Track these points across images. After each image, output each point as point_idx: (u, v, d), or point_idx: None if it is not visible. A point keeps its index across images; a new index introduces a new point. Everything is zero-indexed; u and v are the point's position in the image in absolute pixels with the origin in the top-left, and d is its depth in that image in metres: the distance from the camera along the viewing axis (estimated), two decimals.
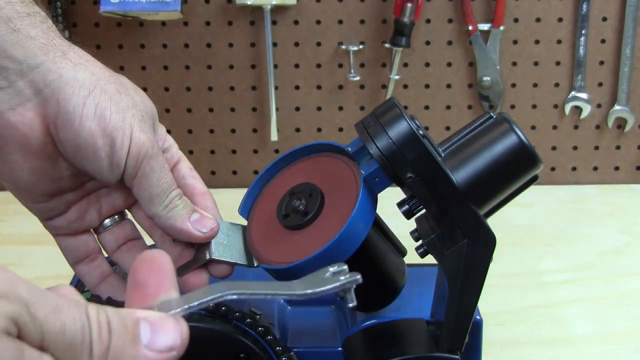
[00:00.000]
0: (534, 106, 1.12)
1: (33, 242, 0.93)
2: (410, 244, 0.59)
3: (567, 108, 1.11)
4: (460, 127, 0.57)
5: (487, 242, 0.54)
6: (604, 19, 1.07)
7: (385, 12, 1.07)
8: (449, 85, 1.11)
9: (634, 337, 0.77)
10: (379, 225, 0.61)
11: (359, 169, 0.55)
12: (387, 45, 1.06)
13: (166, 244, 0.59)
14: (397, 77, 1.07)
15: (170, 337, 0.36)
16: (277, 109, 1.09)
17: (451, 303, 0.55)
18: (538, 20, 1.08)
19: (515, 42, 1.09)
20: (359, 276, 0.38)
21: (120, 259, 0.59)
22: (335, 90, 1.11)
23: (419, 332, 0.60)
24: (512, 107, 1.12)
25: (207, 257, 0.56)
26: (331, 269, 0.39)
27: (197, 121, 1.13)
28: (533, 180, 0.56)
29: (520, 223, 1.01)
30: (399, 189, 0.56)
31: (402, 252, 0.62)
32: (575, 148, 1.13)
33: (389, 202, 0.58)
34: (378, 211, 0.56)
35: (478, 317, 0.61)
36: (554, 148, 1.13)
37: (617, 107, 1.10)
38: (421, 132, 0.53)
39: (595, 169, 1.14)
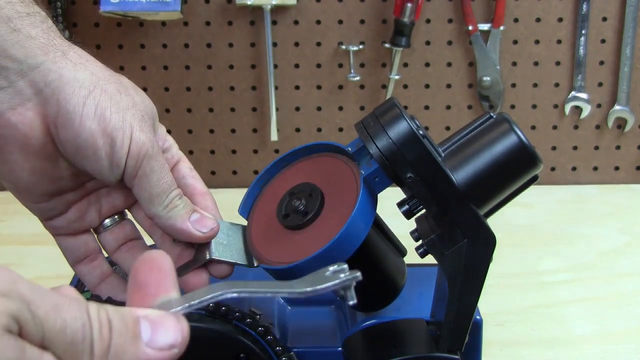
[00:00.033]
0: (534, 106, 1.12)
1: (33, 242, 0.93)
2: (410, 244, 0.59)
3: (567, 108, 1.11)
4: (460, 127, 0.57)
5: (487, 242, 0.54)
6: (604, 19, 1.07)
7: (385, 12, 1.07)
8: (449, 85, 1.11)
9: (634, 337, 0.77)
10: (379, 225, 0.61)
11: (359, 169, 0.55)
12: (387, 45, 1.06)
13: (166, 244, 0.59)
14: (397, 77, 1.07)
15: (171, 335, 0.36)
16: (277, 109, 1.09)
17: (451, 303, 0.55)
18: (538, 20, 1.08)
19: (515, 42, 1.09)
20: (359, 273, 0.38)
21: (120, 259, 0.59)
22: (335, 90, 1.11)
23: (419, 332, 0.60)
24: (512, 107, 1.12)
25: (207, 257, 0.56)
26: (331, 268, 0.39)
27: (197, 121, 1.13)
28: (533, 180, 0.56)
29: (520, 223, 1.01)
30: (399, 189, 0.56)
31: (402, 252, 0.62)
32: (575, 148, 1.13)
33: (389, 202, 0.58)
34: (378, 211, 0.56)
35: (478, 317, 0.61)
36: (554, 148, 1.13)
37: (617, 107, 1.10)
38: (421, 132, 0.53)
39: (595, 169, 1.14)
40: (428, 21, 1.08)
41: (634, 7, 1.06)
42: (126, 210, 0.60)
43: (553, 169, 1.14)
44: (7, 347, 0.30)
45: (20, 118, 0.51)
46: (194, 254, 0.58)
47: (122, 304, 0.38)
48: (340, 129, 1.13)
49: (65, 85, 0.51)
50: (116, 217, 0.59)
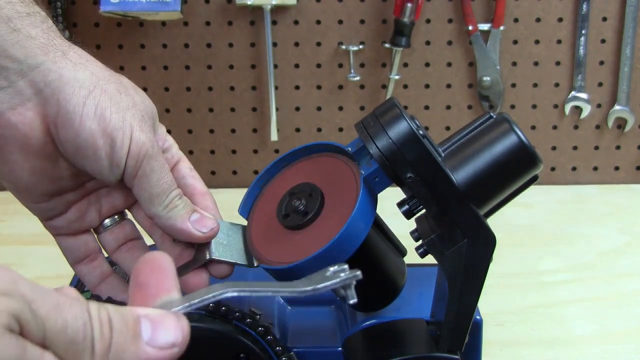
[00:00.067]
0: (534, 106, 1.12)
1: (33, 242, 0.94)
2: (410, 244, 0.59)
3: (567, 108, 1.11)
4: (460, 127, 0.57)
5: (487, 242, 0.54)
6: (604, 19, 1.07)
7: (385, 12, 1.07)
8: (449, 85, 1.11)
9: (634, 337, 0.77)
10: (379, 225, 0.61)
11: (359, 169, 0.55)
12: (387, 45, 1.06)
13: (166, 244, 0.59)
14: (397, 77, 1.07)
15: (171, 334, 0.36)
16: (277, 109, 1.09)
17: (451, 303, 0.55)
18: (538, 20, 1.08)
19: (515, 42, 1.09)
20: (359, 272, 0.38)
21: (120, 259, 0.59)
22: (335, 90, 1.11)
23: (419, 332, 0.60)
24: (512, 107, 1.12)
25: (207, 257, 0.56)
26: (331, 269, 0.39)
27: (197, 121, 1.13)
28: (533, 180, 0.56)
29: (520, 223, 1.01)
30: (399, 189, 0.56)
31: (402, 252, 0.62)
32: (575, 148, 1.13)
33: (389, 202, 0.58)
34: (378, 211, 0.56)
35: (478, 317, 0.61)
36: (554, 148, 1.13)
37: (617, 107, 1.10)
38: (421, 132, 0.53)
39: (595, 169, 1.14)
40: (428, 21, 1.08)
41: (634, 7, 1.06)
42: (126, 210, 0.60)
43: (553, 169, 1.14)
44: (9, 346, 0.30)
45: (20, 118, 0.51)
46: (194, 254, 0.58)
47: (122, 304, 0.38)
48: (340, 129, 1.13)
49: (65, 85, 0.51)
50: (116, 217, 0.59)
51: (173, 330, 0.36)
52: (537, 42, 1.09)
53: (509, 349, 0.75)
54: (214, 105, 1.12)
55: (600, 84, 1.10)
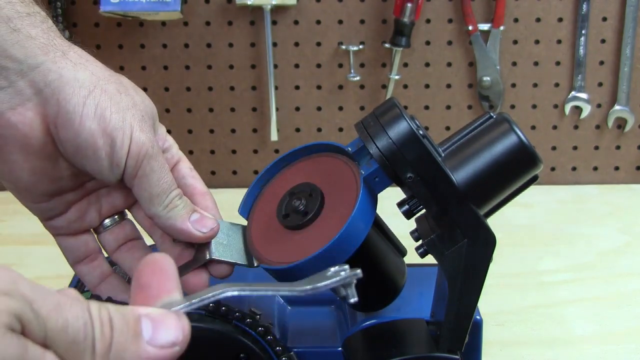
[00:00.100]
0: (534, 106, 1.12)
1: (33, 242, 0.93)
2: (410, 244, 0.59)
3: (567, 108, 1.11)
4: (460, 127, 0.57)
5: (487, 242, 0.54)
6: (604, 19, 1.07)
7: (385, 12, 1.07)
8: (449, 85, 1.11)
9: (634, 337, 0.77)
10: (379, 225, 0.61)
11: (359, 169, 0.55)
12: (387, 45, 1.06)
13: (166, 244, 0.59)
14: (397, 77, 1.07)
15: (172, 333, 0.36)
16: (277, 109, 1.09)
17: (451, 303, 0.55)
18: (538, 20, 1.08)
19: (515, 42, 1.09)
20: (359, 270, 0.38)
21: (120, 259, 0.59)
22: (335, 90, 1.11)
23: (419, 332, 0.60)
24: (512, 107, 1.12)
25: (207, 257, 0.56)
26: (332, 269, 0.39)
27: (197, 121, 1.13)
28: (533, 180, 0.56)
29: (520, 223, 1.01)
30: (399, 189, 0.56)
31: (402, 252, 0.62)
32: (575, 148, 1.13)
33: (389, 202, 0.58)
34: (378, 211, 0.56)
35: (478, 317, 0.61)
36: (554, 148, 1.13)
37: (617, 107, 1.10)
38: (421, 132, 0.53)
39: (595, 169, 1.14)
40: (428, 21, 1.08)
41: (634, 7, 1.06)
42: (126, 210, 0.60)
43: (553, 169, 1.14)
44: (10, 345, 0.30)
45: (20, 118, 0.51)
46: (194, 254, 0.58)
47: (122, 304, 0.38)
48: (340, 129, 1.13)
49: (65, 85, 0.51)
50: (116, 217, 0.59)
51: (174, 329, 0.36)
52: (537, 42, 1.09)
53: (509, 349, 0.75)
54: (214, 105, 1.12)
55: (600, 84, 1.10)
